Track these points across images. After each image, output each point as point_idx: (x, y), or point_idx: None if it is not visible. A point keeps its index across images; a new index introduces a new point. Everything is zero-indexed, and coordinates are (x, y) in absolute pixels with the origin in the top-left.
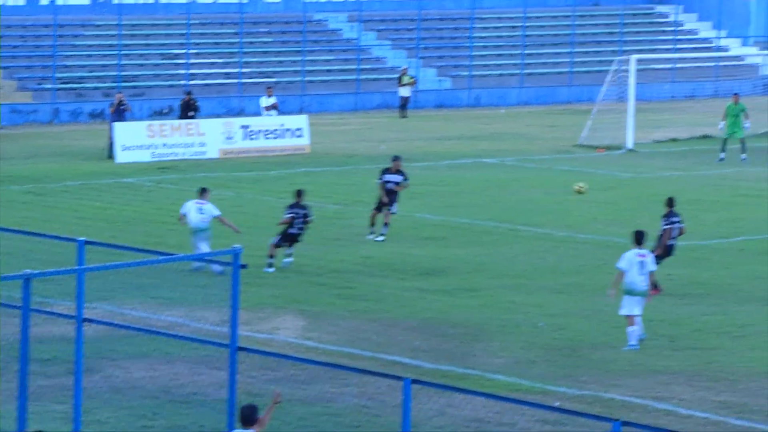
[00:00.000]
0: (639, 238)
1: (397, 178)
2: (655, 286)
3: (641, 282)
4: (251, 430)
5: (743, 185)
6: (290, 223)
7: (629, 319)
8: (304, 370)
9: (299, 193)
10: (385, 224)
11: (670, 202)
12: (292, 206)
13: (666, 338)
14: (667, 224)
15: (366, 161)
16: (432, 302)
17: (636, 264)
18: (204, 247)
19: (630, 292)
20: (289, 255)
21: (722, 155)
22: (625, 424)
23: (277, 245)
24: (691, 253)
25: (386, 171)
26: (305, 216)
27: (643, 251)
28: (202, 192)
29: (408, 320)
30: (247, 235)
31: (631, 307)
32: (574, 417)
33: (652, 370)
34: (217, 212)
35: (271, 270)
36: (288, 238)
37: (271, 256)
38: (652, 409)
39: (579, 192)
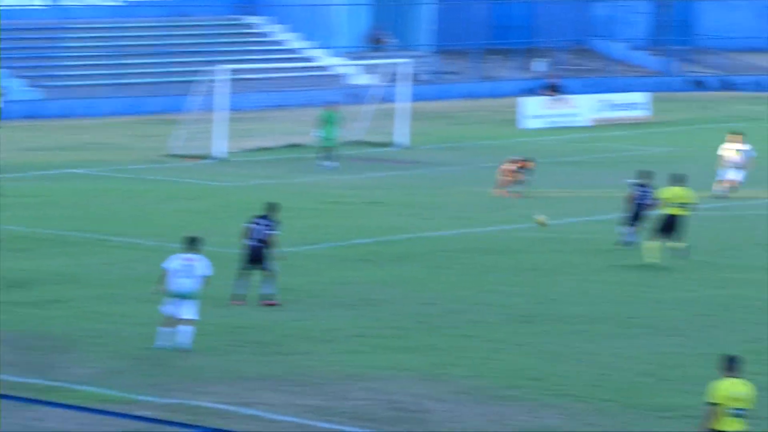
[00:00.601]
0: (188, 243)
1: None
2: (269, 299)
3: (187, 284)
4: None
5: (332, 192)
6: None
7: (168, 318)
8: None
9: None
10: None
11: (268, 207)
12: None
13: (255, 344)
14: (247, 224)
15: None
16: (18, 315)
17: (181, 266)
18: None
19: (173, 294)
20: None
21: (325, 163)
22: (213, 431)
23: None
24: (282, 260)
25: None
26: None
27: (192, 256)
28: None
29: None
30: None
31: (172, 307)
32: (161, 425)
33: (240, 376)
34: None
35: None
36: None
37: None
38: (240, 416)
39: (542, 224)
